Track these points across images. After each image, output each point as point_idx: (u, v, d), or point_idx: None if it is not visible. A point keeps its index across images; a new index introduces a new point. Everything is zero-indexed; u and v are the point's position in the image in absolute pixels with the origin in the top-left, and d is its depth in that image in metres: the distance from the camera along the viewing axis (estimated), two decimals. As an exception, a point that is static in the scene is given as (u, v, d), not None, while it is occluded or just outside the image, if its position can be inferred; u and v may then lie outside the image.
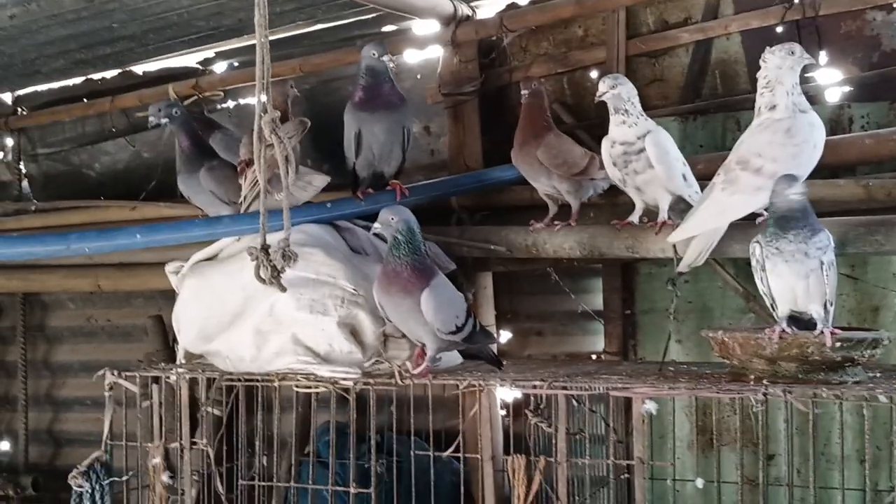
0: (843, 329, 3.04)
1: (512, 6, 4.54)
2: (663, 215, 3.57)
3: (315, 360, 3.44)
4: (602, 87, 3.52)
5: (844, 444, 3.71)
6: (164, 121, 4.15)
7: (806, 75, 4.09)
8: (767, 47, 3.32)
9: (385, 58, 3.80)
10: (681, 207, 3.58)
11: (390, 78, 3.85)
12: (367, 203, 3.86)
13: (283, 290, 3.25)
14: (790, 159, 3.21)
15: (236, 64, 5.17)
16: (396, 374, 3.32)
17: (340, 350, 3.46)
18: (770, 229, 3.03)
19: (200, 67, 5.22)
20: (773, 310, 3.12)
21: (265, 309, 3.52)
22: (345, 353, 3.45)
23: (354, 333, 3.49)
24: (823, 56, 4.15)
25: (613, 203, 4.00)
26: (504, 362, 3.72)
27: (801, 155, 3.22)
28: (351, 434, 3.45)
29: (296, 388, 3.48)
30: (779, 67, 3.27)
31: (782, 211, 2.99)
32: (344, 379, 3.38)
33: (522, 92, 3.83)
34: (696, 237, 3.39)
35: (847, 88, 4.15)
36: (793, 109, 3.24)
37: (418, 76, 4.79)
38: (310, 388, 3.45)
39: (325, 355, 3.47)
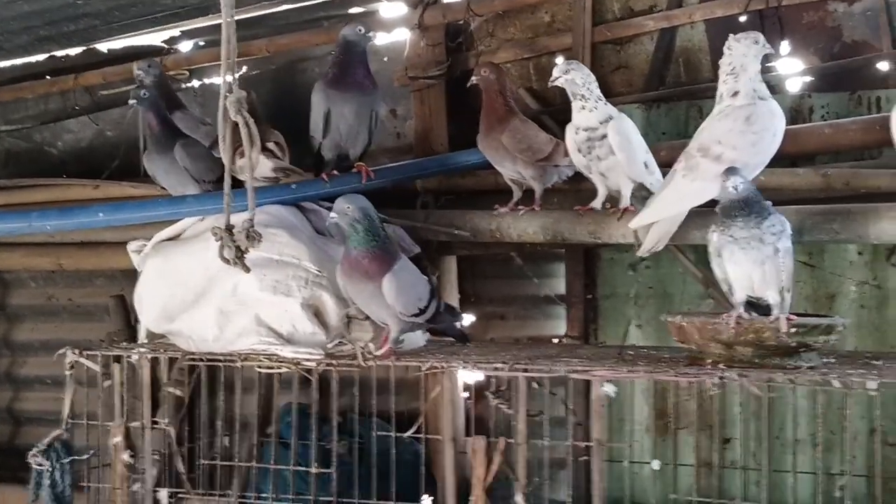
0: (798, 315, 3.10)
1: (479, -10, 4.54)
2: (625, 201, 3.61)
3: (278, 341, 3.45)
4: (555, 72, 3.56)
5: (798, 429, 3.80)
6: (148, 80, 4.19)
7: (767, 65, 4.15)
8: (731, 35, 3.35)
9: (370, 34, 3.84)
10: (642, 194, 3.62)
11: (366, 60, 3.85)
12: (333, 185, 3.86)
13: (247, 270, 3.25)
14: (749, 147, 3.26)
15: (202, 43, 5.12)
16: (359, 355, 3.33)
17: (303, 331, 3.46)
18: (721, 218, 3.08)
19: (166, 46, 5.17)
20: (730, 296, 3.17)
21: (228, 289, 3.51)
22: (308, 335, 3.46)
23: (318, 315, 3.50)
24: (785, 46, 4.21)
25: (577, 189, 4.02)
26: (466, 345, 3.76)
27: (760, 143, 3.26)
28: (312, 415, 3.45)
29: (258, 369, 3.48)
30: (744, 55, 3.31)
31: (726, 202, 3.04)
32: (307, 360, 3.39)
33: (472, 78, 3.83)
34: (657, 223, 3.43)
35: (808, 78, 4.21)
36: (753, 96, 3.28)
37: (385, 59, 4.77)
38: (272, 368, 3.45)
39: (288, 336, 3.47)
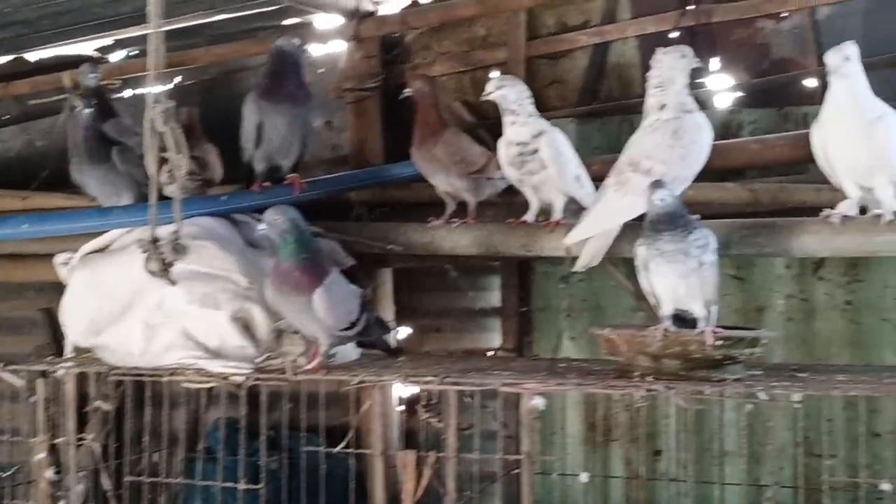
0: (724, 328, 3.13)
1: (415, 3, 4.56)
2: (557, 215, 3.62)
3: (206, 355, 3.39)
4: (488, 86, 3.56)
5: (727, 441, 3.84)
6: (92, 84, 4.13)
7: (697, 80, 4.21)
8: (659, 49, 3.39)
9: (305, 46, 3.86)
10: (574, 208, 3.63)
11: (300, 71, 3.84)
12: (264, 197, 3.81)
13: (173, 283, 3.21)
14: (679, 161, 3.29)
15: (135, 53, 5.06)
16: (288, 369, 3.30)
17: (232, 345, 3.41)
18: (647, 232, 3.10)
19: (98, 55, 5.10)
20: (657, 309, 3.19)
21: (155, 302, 3.45)
22: (236, 348, 3.41)
23: (247, 328, 3.45)
24: (716, 62, 4.27)
25: (511, 202, 4.02)
26: (402, 358, 3.74)
27: (688, 156, 3.30)
28: (241, 430, 3.41)
29: (185, 384, 3.42)
30: (672, 68, 3.35)
31: (653, 215, 3.07)
32: (235, 374, 3.34)
33: (406, 91, 3.83)
34: (592, 238, 3.44)
35: (738, 94, 4.28)
36: (680, 109, 3.32)
37: (320, 70, 4.76)
38: (200, 383, 3.40)
39: (217, 350, 3.42)
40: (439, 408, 3.25)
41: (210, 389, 3.53)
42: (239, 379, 3.35)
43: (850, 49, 3.14)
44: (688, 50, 3.35)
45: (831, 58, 3.14)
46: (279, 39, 3.85)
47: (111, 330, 3.55)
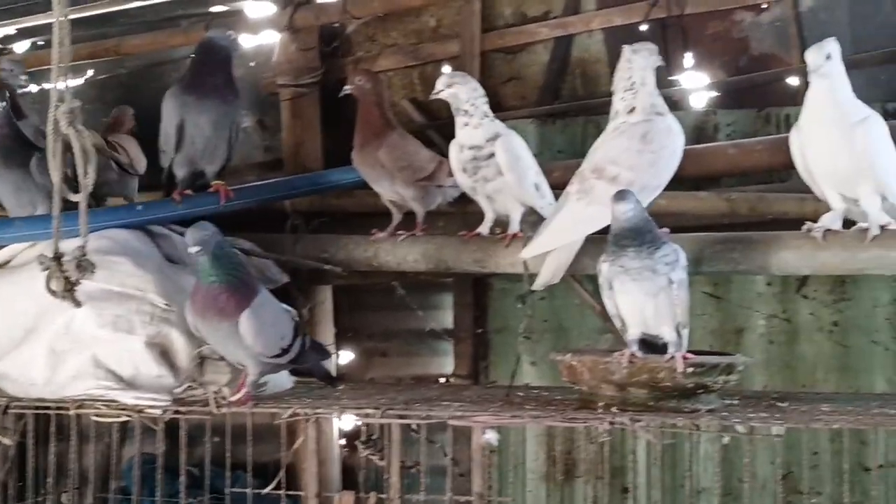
0: (697, 353, 3.15)
1: (356, -10, 4.55)
2: (514, 227, 3.62)
3: (118, 385, 3.35)
4: (438, 83, 3.57)
5: (702, 477, 3.86)
6: (15, 79, 4.11)
7: (670, 79, 4.25)
8: (627, 47, 3.41)
9: (238, 40, 3.85)
10: (533, 219, 3.64)
11: (230, 67, 3.82)
12: (186, 206, 3.79)
13: (78, 305, 3.17)
14: (648, 167, 3.31)
15: (41, 43, 5.00)
16: (211, 401, 3.27)
17: (148, 373, 3.37)
18: (611, 247, 3.12)
19: None
20: (624, 332, 3.21)
21: (61, 325, 3.40)
22: (153, 378, 3.37)
23: (165, 355, 3.41)
24: (689, 58, 4.31)
25: (465, 212, 4.02)
26: (342, 386, 3.72)
27: (658, 162, 3.32)
28: (159, 469, 3.37)
29: (95, 418, 3.38)
30: (643, 68, 3.38)
31: (617, 228, 3.08)
32: (151, 407, 3.30)
33: (346, 87, 3.82)
34: (552, 252, 3.45)
35: (713, 94, 4.32)
36: (650, 112, 3.35)
37: (252, 63, 4.74)
38: (111, 417, 3.36)
39: (131, 379, 3.37)
40: (381, 443, 3.24)
41: (124, 423, 3.48)
42: (155, 412, 3.31)
43: (832, 46, 3.18)
44: (654, 46, 3.37)
45: (812, 56, 3.17)
46: (212, 30, 3.82)
47: (12, 356, 3.49)
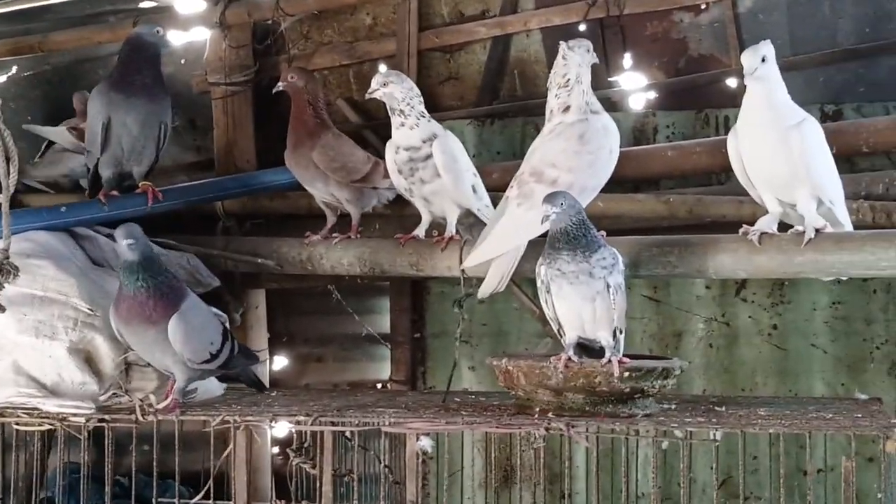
0: (634, 357, 3.17)
1: (292, -14, 4.53)
2: (451, 230, 3.62)
3: (40, 393, 3.31)
4: (373, 83, 3.55)
5: (641, 482, 3.88)
6: None
7: (609, 79, 4.29)
8: (564, 43, 3.41)
9: (167, 38, 3.81)
10: (470, 221, 3.65)
11: (159, 65, 3.79)
12: (112, 207, 3.76)
13: (2, 310, 3.12)
14: (586, 168, 3.32)
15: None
16: (137, 409, 3.23)
17: (72, 381, 3.34)
18: (547, 250, 3.13)
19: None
20: (561, 336, 3.22)
21: (-19, 332, 3.36)
22: (77, 385, 3.34)
23: (89, 361, 3.38)
24: (628, 59, 4.35)
25: (401, 214, 4.04)
26: (273, 392, 3.70)
27: (596, 163, 3.34)
28: (84, 479, 3.33)
29: (16, 426, 3.33)
30: (579, 65, 3.38)
31: (553, 231, 3.09)
32: (74, 415, 3.26)
33: (278, 84, 3.81)
34: (496, 260, 3.44)
35: (652, 95, 4.36)
36: (586, 111, 3.36)
37: (182, 61, 4.70)
38: (32, 425, 3.31)
39: (53, 387, 3.34)
40: (313, 451, 3.22)
41: (48, 432, 3.43)
42: (79, 420, 3.27)
43: (767, 49, 3.21)
44: (589, 44, 3.39)
45: (747, 58, 3.20)
46: (140, 26, 3.79)
47: (-71, 364, 3.44)
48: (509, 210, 3.40)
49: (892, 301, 4.16)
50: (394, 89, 3.54)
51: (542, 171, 3.35)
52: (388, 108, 3.58)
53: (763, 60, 3.19)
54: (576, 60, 3.38)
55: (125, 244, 3.11)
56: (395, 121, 3.57)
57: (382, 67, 4.53)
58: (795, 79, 3.28)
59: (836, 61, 4.25)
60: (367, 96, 3.58)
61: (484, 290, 3.49)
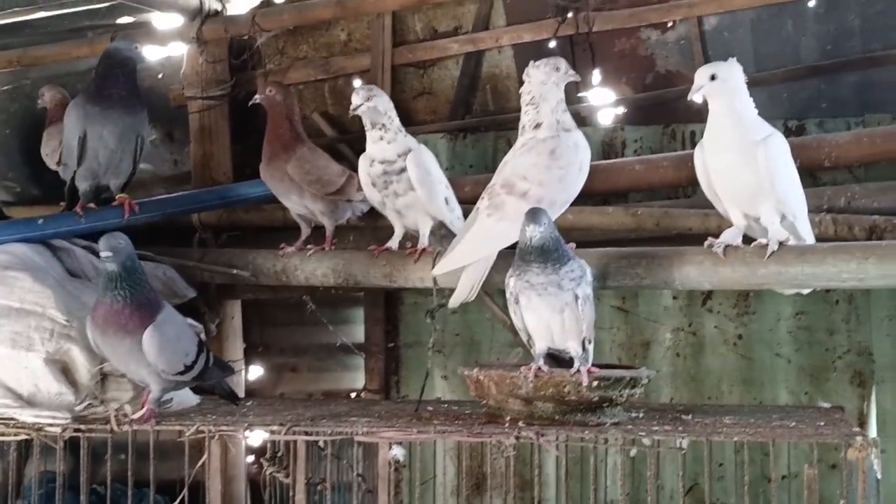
0: (603, 367, 3.18)
1: (266, 3, 4.54)
2: (423, 241, 3.61)
3: (16, 403, 3.29)
4: (356, 98, 3.52)
5: (611, 489, 3.89)
6: None
7: (578, 95, 4.30)
8: (532, 62, 3.43)
9: (142, 53, 3.78)
10: (442, 233, 3.65)
11: (135, 79, 3.78)
12: (88, 220, 3.73)
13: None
14: (556, 182, 3.33)
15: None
16: (113, 419, 3.21)
17: (48, 391, 3.32)
18: (517, 261, 3.13)
19: None
20: (531, 346, 3.23)
21: (-43, 343, 3.33)
22: (53, 395, 3.32)
23: (66, 372, 3.36)
24: (597, 75, 4.37)
25: (375, 226, 4.04)
26: (248, 402, 3.68)
27: (566, 178, 3.34)
28: (59, 488, 3.30)
29: (-9, 437, 3.30)
30: (543, 83, 3.38)
31: (523, 244, 3.09)
32: (50, 425, 3.24)
33: (255, 97, 3.80)
34: (466, 269, 3.44)
35: (621, 110, 4.38)
36: (557, 128, 3.36)
37: (160, 76, 4.69)
38: (8, 435, 3.28)
39: (30, 397, 3.32)
40: (287, 460, 3.21)
41: (24, 441, 3.40)
42: (55, 430, 3.25)
43: (721, 68, 3.23)
44: (562, 62, 3.39)
45: (697, 76, 3.23)
46: (117, 41, 3.77)
47: None
48: (479, 220, 3.39)
49: (853, 312, 4.18)
50: (377, 103, 3.53)
51: (513, 183, 3.35)
52: (367, 122, 3.54)
53: (712, 78, 3.20)
54: (538, 79, 3.38)
55: (104, 255, 3.09)
56: (374, 135, 3.55)
57: (357, 82, 4.54)
58: (759, 95, 3.29)
59: (799, 78, 4.28)
60: (353, 112, 3.52)
61: (455, 300, 3.49)
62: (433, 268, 3.53)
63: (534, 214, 3.07)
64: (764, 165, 3.17)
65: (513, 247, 3.35)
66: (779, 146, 3.25)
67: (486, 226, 3.37)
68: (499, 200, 3.36)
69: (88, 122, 3.71)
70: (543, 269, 3.06)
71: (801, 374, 4.23)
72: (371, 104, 3.52)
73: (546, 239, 3.05)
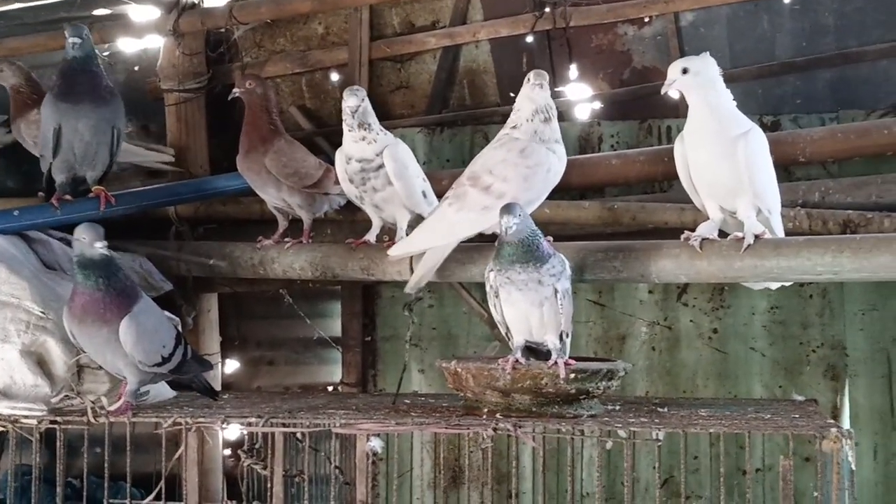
0: (578, 360, 3.18)
1: (244, -5, 4.50)
2: (401, 234, 3.61)
3: (-9, 395, 3.26)
4: (354, 99, 3.48)
5: (587, 481, 3.91)
6: None
7: (556, 89, 4.30)
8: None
9: (75, 40, 3.64)
10: (420, 226, 3.64)
11: (99, 67, 3.71)
12: (64, 212, 3.69)
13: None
14: (521, 180, 3.30)
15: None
16: (89, 411, 3.18)
17: (23, 383, 3.29)
18: (498, 257, 3.12)
19: None
20: (509, 339, 3.23)
21: (-68, 334, 3.30)
22: (28, 387, 3.29)
23: (41, 364, 3.33)
24: (574, 70, 4.37)
25: (353, 220, 4.03)
26: (225, 395, 3.66)
27: (532, 178, 3.31)
28: (34, 480, 3.27)
29: (-34, 429, 3.27)
30: (524, 95, 3.38)
31: (504, 240, 3.08)
32: (26, 417, 3.21)
33: (234, 90, 3.77)
34: (425, 255, 3.44)
35: (597, 105, 4.39)
36: (533, 138, 3.33)
37: (136, 68, 4.67)
38: (-17, 427, 3.25)
39: (5, 389, 3.29)
40: (264, 452, 3.19)
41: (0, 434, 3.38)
42: (31, 422, 3.22)
43: (692, 62, 3.23)
44: (534, 74, 3.34)
45: (670, 71, 3.24)
46: (66, 31, 3.70)
47: None
48: (441, 209, 3.41)
49: (827, 306, 4.21)
50: (367, 104, 3.53)
51: (479, 176, 3.34)
52: (355, 122, 3.50)
53: (685, 72, 3.21)
54: (524, 92, 3.38)
55: (97, 244, 3.06)
56: (356, 134, 3.52)
57: (335, 76, 4.53)
58: (735, 90, 3.29)
59: (774, 74, 4.30)
60: (353, 111, 3.47)
61: (410, 285, 3.50)
62: (412, 263, 3.52)
63: (508, 207, 3.07)
64: (744, 160, 3.17)
65: (487, 239, 3.36)
66: (758, 141, 3.25)
67: (445, 214, 3.38)
68: (461, 191, 3.36)
69: (63, 117, 3.67)
70: (525, 267, 3.06)
71: (775, 368, 4.26)
72: (365, 104, 3.52)
73: (523, 233, 3.04)
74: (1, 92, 4.10)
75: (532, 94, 3.35)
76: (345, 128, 3.53)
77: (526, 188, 3.29)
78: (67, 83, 3.65)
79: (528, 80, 3.35)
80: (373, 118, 3.54)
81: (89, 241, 3.07)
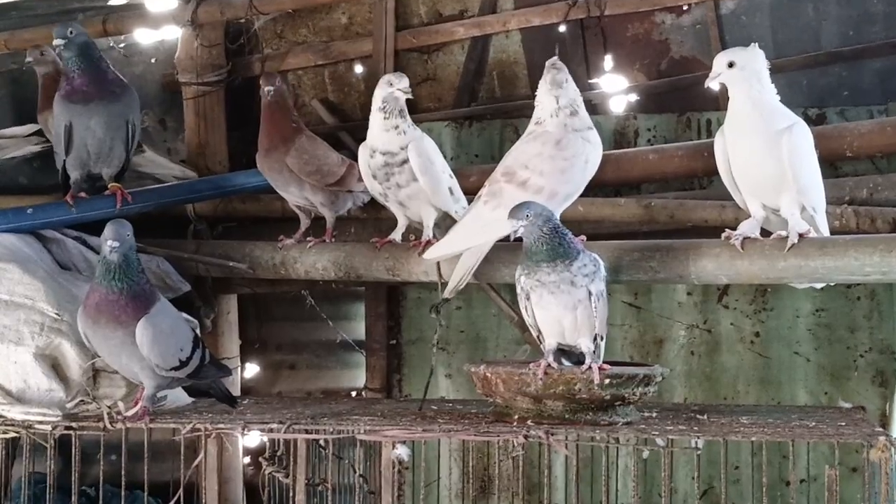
0: (614, 364, 3.19)
1: (264, -16, 4.53)
2: (428, 233, 3.61)
3: (6, 400, 3.29)
4: (403, 82, 3.48)
5: (622, 492, 3.90)
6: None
7: (590, 81, 4.30)
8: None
9: (59, 41, 3.66)
10: (447, 224, 3.64)
11: (102, 61, 3.75)
12: (80, 210, 3.74)
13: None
14: (559, 174, 3.31)
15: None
16: (105, 416, 3.22)
17: (38, 387, 3.32)
18: (525, 259, 3.13)
19: None
20: (541, 343, 3.23)
21: (-56, 336, 3.34)
22: (43, 392, 3.32)
23: (56, 367, 3.37)
24: (609, 61, 4.37)
25: (377, 218, 4.04)
26: (245, 401, 3.68)
27: (570, 170, 3.32)
28: (50, 489, 3.31)
29: (-21, 435, 3.31)
30: (541, 86, 3.39)
31: (528, 241, 3.09)
32: (40, 422, 3.25)
33: (265, 89, 3.77)
34: (462, 257, 3.45)
35: (633, 97, 4.39)
36: (565, 130, 3.34)
37: (153, 60, 4.69)
38: (-3, 433, 3.29)
39: (19, 394, 3.32)
40: (286, 459, 3.22)
41: (12, 440, 3.41)
42: (45, 428, 3.25)
43: (739, 55, 3.23)
44: (552, 68, 3.36)
45: (716, 63, 3.23)
46: (55, 29, 3.71)
47: None
48: (476, 208, 3.41)
49: (875, 308, 4.19)
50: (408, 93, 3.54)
51: (514, 171, 3.35)
52: (394, 107, 3.50)
53: (730, 65, 3.20)
54: (544, 87, 3.38)
55: (110, 244, 3.10)
56: (391, 122, 3.52)
57: (359, 68, 4.54)
58: (778, 82, 3.28)
59: (819, 64, 4.29)
60: (406, 91, 3.47)
61: (449, 289, 3.50)
62: (439, 263, 3.53)
63: (516, 209, 3.07)
64: (787, 155, 3.16)
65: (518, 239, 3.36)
66: (803, 135, 3.24)
67: (481, 213, 3.38)
68: (497, 188, 3.36)
69: (73, 116, 3.71)
70: (553, 266, 3.06)
71: (820, 373, 4.24)
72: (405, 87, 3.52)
73: (536, 232, 3.04)
74: (16, 105, 4.15)
75: (549, 87, 3.36)
76: (378, 115, 3.53)
77: (564, 181, 3.30)
78: (71, 83, 3.69)
79: (545, 80, 3.36)
80: (405, 106, 3.55)
81: (104, 240, 3.11)
